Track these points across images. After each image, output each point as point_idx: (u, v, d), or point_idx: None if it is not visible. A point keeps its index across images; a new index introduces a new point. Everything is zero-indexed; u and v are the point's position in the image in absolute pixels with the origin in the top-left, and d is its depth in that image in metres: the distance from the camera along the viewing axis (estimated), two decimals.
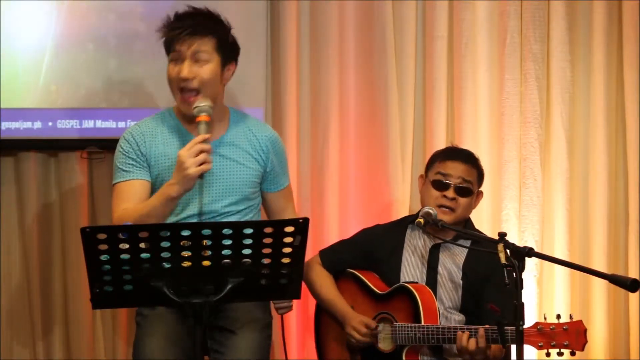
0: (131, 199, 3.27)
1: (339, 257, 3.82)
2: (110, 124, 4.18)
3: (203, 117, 3.18)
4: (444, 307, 3.61)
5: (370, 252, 3.77)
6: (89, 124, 4.18)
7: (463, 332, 3.39)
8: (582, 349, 3.25)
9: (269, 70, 4.35)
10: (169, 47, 3.32)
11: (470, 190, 3.67)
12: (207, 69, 3.26)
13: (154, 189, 3.32)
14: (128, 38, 4.17)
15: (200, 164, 3.10)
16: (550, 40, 4.39)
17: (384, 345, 3.61)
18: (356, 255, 3.80)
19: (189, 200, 3.30)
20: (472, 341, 3.37)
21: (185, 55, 3.25)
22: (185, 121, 3.36)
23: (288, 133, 4.31)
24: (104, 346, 4.33)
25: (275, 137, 3.47)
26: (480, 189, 3.76)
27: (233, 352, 3.26)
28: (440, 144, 4.25)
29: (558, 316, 3.28)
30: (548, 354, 3.23)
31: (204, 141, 3.12)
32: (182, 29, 3.26)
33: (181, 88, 3.26)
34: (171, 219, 3.29)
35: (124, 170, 3.31)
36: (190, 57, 3.25)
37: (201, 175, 3.13)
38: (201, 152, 3.10)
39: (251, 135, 3.40)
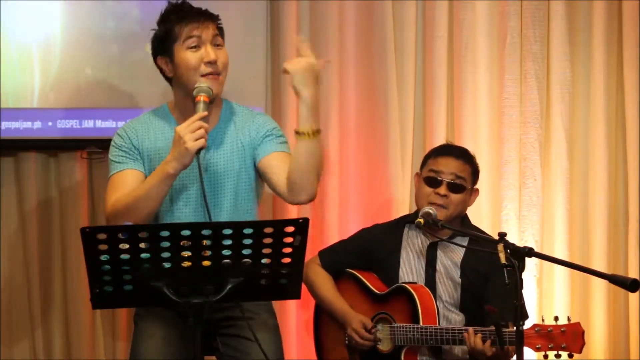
0: (125, 188, 3.17)
1: (338, 258, 3.82)
2: (110, 124, 4.18)
3: (203, 96, 3.11)
4: (444, 304, 3.61)
5: (369, 252, 3.77)
6: (89, 124, 4.18)
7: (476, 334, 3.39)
8: (580, 352, 3.23)
9: (269, 70, 4.34)
10: (177, 35, 3.18)
11: (462, 187, 3.66)
12: (225, 53, 3.22)
13: None
14: (128, 39, 4.17)
15: (198, 139, 3.00)
16: (550, 40, 4.39)
17: (383, 345, 3.61)
18: (355, 256, 3.80)
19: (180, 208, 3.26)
20: (479, 341, 3.37)
21: (205, 40, 3.17)
22: (179, 116, 3.25)
23: (288, 133, 4.29)
24: (104, 346, 4.33)
25: (261, 123, 3.29)
26: (476, 186, 3.75)
27: (250, 357, 3.23)
28: (440, 143, 4.25)
29: (556, 318, 3.27)
30: (546, 357, 3.22)
31: (202, 119, 3.04)
32: (196, 14, 3.19)
33: (205, 73, 3.17)
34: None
35: (117, 162, 3.23)
36: (210, 42, 3.18)
37: (198, 151, 3.01)
38: (200, 128, 3.02)
39: (235, 130, 3.27)
